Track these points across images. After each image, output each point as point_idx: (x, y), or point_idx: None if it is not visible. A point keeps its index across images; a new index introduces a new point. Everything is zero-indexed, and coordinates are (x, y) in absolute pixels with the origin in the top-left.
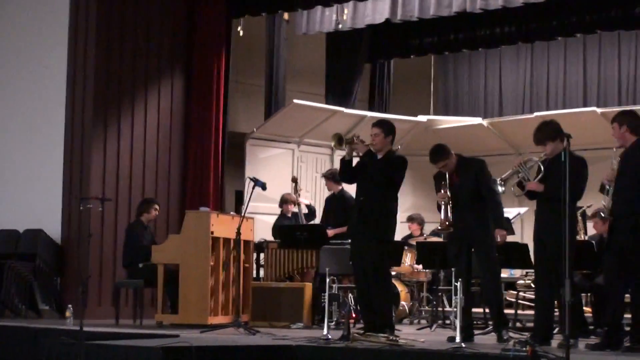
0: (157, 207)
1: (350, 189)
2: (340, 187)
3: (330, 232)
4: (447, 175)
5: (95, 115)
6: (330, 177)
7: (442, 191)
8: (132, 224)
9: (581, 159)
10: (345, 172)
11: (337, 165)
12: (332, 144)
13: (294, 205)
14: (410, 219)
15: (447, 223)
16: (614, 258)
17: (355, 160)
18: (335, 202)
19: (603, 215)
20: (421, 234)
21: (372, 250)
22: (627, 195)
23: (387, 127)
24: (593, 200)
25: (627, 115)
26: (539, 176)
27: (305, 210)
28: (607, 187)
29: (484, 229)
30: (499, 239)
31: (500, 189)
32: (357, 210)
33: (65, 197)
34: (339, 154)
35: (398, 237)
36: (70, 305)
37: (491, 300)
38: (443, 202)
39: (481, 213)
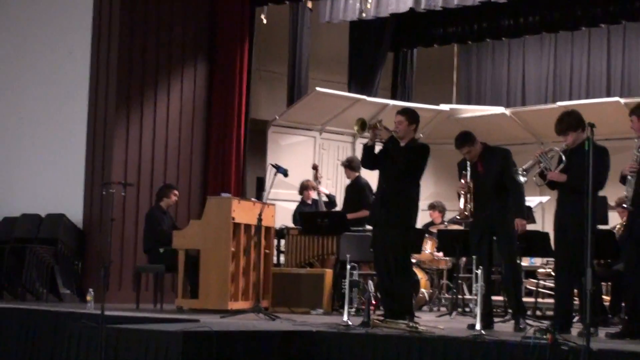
0: (176, 192)
1: (372, 177)
2: (357, 174)
3: (350, 215)
4: (468, 165)
5: (118, 101)
6: (347, 164)
7: (462, 181)
8: (152, 209)
9: (603, 149)
10: (367, 158)
11: (358, 153)
12: (355, 128)
13: (314, 191)
14: (432, 207)
15: (465, 213)
16: (634, 247)
17: (378, 148)
18: (351, 189)
19: (625, 206)
20: (442, 222)
21: (393, 237)
22: None
23: (411, 116)
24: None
25: None
26: (560, 166)
27: (325, 199)
28: (629, 177)
29: (506, 218)
30: (518, 229)
31: (522, 179)
32: (379, 197)
33: (87, 182)
34: (361, 142)
35: (419, 224)
36: (91, 289)
37: (510, 288)
38: (463, 192)
39: (504, 202)
